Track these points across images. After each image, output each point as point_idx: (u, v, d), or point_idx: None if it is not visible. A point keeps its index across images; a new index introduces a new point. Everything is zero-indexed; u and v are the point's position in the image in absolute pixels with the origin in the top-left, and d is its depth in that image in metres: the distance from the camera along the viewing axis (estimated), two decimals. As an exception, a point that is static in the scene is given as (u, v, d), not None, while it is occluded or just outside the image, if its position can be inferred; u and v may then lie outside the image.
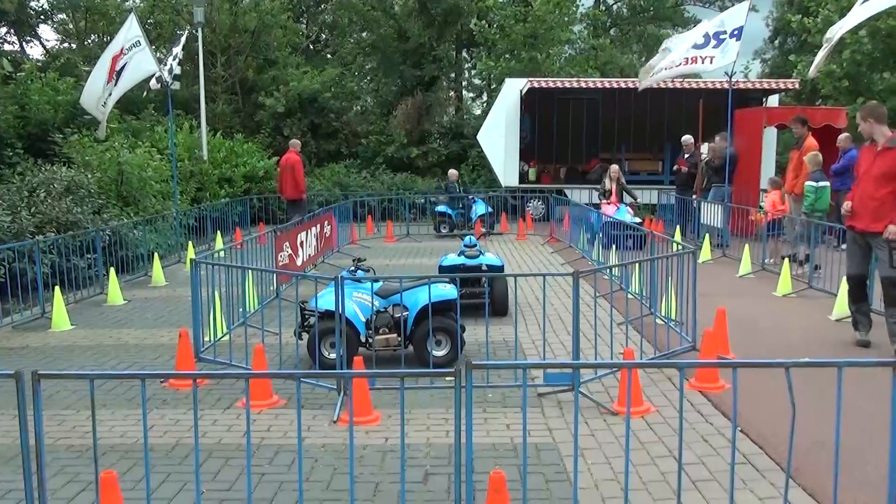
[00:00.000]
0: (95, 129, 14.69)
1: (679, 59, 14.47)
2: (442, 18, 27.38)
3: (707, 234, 13.74)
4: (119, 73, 12.68)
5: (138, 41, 12.67)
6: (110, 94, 12.76)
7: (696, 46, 14.12)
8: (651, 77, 15.00)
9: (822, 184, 11.66)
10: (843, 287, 8.91)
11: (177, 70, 14.56)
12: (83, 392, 6.45)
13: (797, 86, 19.69)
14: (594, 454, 5.15)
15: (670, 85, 18.01)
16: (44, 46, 29.85)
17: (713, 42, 13.84)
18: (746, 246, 12.02)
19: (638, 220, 14.14)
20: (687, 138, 16.00)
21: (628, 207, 14.89)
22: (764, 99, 19.43)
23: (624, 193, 15.75)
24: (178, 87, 14.33)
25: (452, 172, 19.41)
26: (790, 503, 4.32)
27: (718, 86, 17.78)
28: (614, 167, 16.00)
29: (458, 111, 29.79)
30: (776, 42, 35.65)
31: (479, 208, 17.72)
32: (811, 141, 13.20)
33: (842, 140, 14.19)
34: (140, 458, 5.01)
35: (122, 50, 12.83)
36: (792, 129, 13.63)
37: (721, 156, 14.42)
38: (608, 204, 14.95)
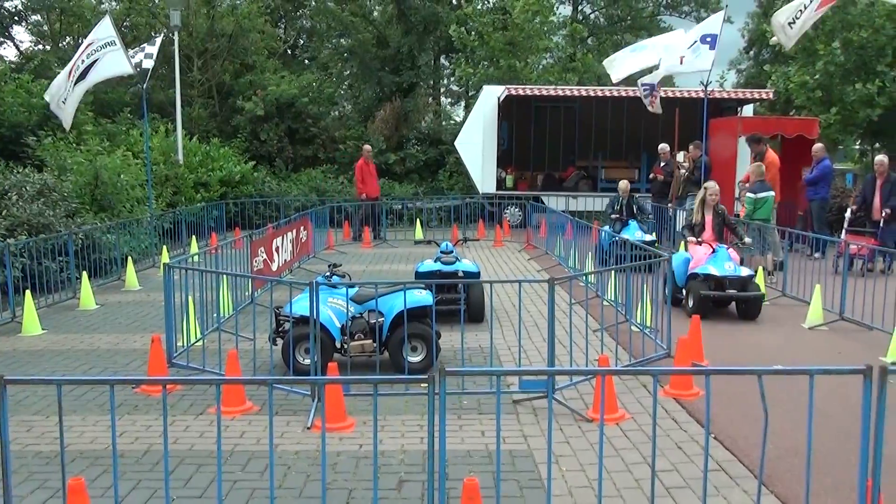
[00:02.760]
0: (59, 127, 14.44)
1: (656, 64, 14.79)
2: (422, 26, 27.39)
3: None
4: (86, 71, 12.41)
5: (113, 41, 12.49)
6: (70, 91, 12.46)
7: (671, 52, 14.50)
8: (620, 69, 15.52)
9: (761, 195, 11.92)
10: (817, 295, 9.02)
11: (147, 64, 14.43)
12: (52, 397, 6.35)
13: (771, 96, 19.92)
14: (569, 461, 5.15)
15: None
16: (18, 48, 29.47)
17: (687, 45, 14.22)
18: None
19: (748, 272, 9.62)
20: (663, 147, 16.11)
21: (730, 251, 9.83)
22: (739, 109, 19.63)
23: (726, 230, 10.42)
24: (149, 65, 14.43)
25: (623, 185, 14.20)
26: (762, 510, 4.35)
27: (694, 95, 17.93)
28: (713, 186, 10.49)
29: (437, 117, 29.76)
30: (751, 53, 36.02)
31: (629, 231, 13.02)
32: (772, 154, 13.44)
33: (816, 150, 14.37)
34: (110, 464, 4.93)
35: (87, 47, 12.57)
36: (749, 147, 13.86)
37: (697, 165, 14.59)
38: (699, 244, 10.00)
